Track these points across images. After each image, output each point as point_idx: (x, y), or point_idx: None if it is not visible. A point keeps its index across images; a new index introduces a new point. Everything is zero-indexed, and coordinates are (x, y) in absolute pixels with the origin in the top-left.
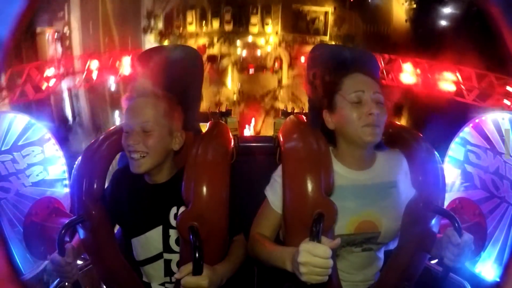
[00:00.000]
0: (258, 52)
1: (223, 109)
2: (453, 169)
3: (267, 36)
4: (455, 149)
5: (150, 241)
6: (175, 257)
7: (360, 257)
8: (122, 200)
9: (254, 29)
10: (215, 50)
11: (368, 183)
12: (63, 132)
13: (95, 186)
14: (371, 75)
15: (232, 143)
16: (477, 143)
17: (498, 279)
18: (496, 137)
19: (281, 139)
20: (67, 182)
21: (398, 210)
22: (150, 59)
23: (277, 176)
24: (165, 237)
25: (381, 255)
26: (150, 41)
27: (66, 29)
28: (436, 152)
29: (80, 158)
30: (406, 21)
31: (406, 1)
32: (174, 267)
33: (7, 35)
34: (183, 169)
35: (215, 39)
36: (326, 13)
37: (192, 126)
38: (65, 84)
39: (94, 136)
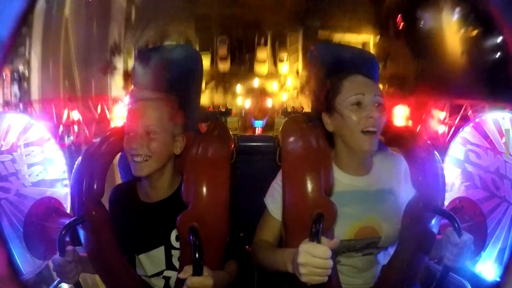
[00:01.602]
0: (269, 103)
1: (223, 108)
2: (453, 169)
3: (282, 78)
4: (456, 149)
5: (152, 260)
6: (174, 275)
7: (360, 261)
8: (121, 219)
9: (262, 67)
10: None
11: (367, 189)
12: None
13: (95, 186)
14: (371, 76)
15: (232, 143)
16: (477, 143)
17: (498, 279)
18: (497, 137)
19: (281, 138)
20: (67, 182)
21: (397, 214)
22: (149, 58)
23: (277, 184)
24: (168, 256)
25: (381, 258)
26: (117, 85)
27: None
28: (436, 152)
29: (80, 158)
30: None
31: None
32: (172, 284)
33: (7, 35)
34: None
35: (204, 84)
36: (364, 44)
37: (191, 126)
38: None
39: None
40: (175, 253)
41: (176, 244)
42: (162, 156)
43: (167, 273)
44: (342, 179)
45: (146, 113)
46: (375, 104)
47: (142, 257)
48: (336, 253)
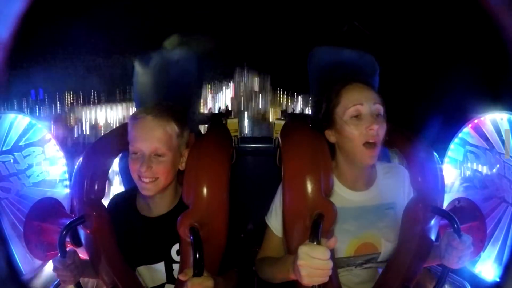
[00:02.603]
0: None
1: (223, 110)
2: (452, 170)
3: None
4: (455, 150)
5: (152, 273)
6: None
7: (361, 274)
8: (120, 232)
9: None
10: None
11: (367, 204)
12: None
13: (96, 187)
14: (370, 83)
15: (232, 144)
16: (476, 144)
17: (498, 279)
18: (495, 137)
19: (281, 140)
20: (67, 182)
21: (396, 229)
22: (149, 61)
23: (278, 200)
24: (168, 270)
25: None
26: None
27: None
28: (435, 153)
29: (81, 158)
30: None
31: None
32: None
33: (7, 35)
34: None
35: None
36: None
37: (192, 128)
38: None
39: None
40: (176, 267)
41: (177, 258)
42: (170, 175)
43: (168, 287)
44: (342, 194)
45: (154, 133)
46: (374, 115)
47: (142, 269)
48: (335, 259)
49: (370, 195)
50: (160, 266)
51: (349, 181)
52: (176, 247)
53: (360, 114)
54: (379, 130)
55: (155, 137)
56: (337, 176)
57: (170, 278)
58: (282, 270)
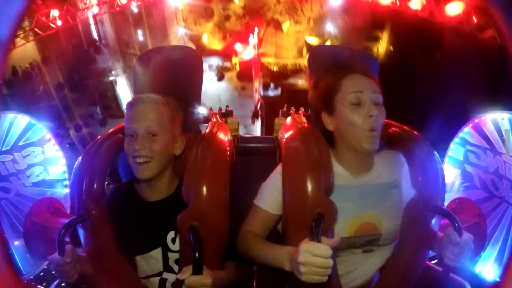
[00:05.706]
0: None
1: (224, 110)
2: (453, 169)
3: None
4: (455, 149)
5: (150, 262)
6: (171, 278)
7: (360, 258)
8: (120, 220)
9: None
10: None
11: (368, 183)
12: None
13: (95, 186)
14: (370, 75)
15: (232, 144)
16: (476, 143)
17: (498, 279)
18: (496, 137)
19: (281, 139)
20: (67, 182)
21: (399, 210)
22: (149, 60)
23: (275, 177)
24: (165, 258)
25: (381, 255)
26: None
27: None
28: (435, 152)
29: (80, 158)
30: None
31: None
32: (169, 286)
33: (7, 35)
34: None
35: None
36: None
37: (192, 127)
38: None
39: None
40: (171, 256)
41: (173, 246)
42: (163, 157)
43: (165, 275)
44: (342, 174)
45: (147, 115)
46: (374, 102)
47: (140, 258)
48: (335, 254)
49: (372, 176)
50: (157, 253)
51: (350, 165)
52: (171, 234)
53: (360, 101)
54: (378, 117)
55: (149, 117)
56: (338, 160)
57: (166, 266)
58: (275, 259)
